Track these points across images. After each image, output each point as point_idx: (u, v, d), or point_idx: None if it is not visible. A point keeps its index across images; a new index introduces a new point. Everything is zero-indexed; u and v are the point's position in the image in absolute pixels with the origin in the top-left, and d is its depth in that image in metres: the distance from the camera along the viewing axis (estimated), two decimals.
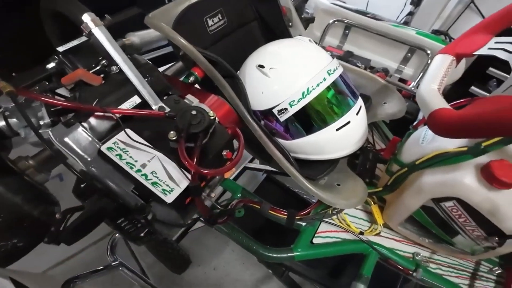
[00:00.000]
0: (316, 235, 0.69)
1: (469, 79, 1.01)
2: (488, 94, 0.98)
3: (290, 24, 0.84)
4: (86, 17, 0.44)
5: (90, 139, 0.45)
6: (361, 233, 0.68)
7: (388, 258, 0.64)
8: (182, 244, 1.25)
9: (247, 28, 0.86)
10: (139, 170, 0.44)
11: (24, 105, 0.43)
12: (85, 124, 0.46)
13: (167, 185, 0.44)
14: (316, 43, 1.12)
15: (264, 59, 0.64)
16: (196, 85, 0.67)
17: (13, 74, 0.50)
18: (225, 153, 0.50)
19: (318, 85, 0.58)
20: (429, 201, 0.54)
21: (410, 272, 0.63)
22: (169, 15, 0.67)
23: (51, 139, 0.43)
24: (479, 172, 0.47)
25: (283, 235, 0.74)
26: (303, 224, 0.69)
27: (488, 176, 0.45)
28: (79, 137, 0.45)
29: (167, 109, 0.50)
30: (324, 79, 0.59)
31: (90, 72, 0.49)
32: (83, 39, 0.53)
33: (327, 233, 0.69)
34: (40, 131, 0.45)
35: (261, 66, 0.62)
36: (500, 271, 0.57)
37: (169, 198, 0.43)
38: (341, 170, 0.68)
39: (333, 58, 0.63)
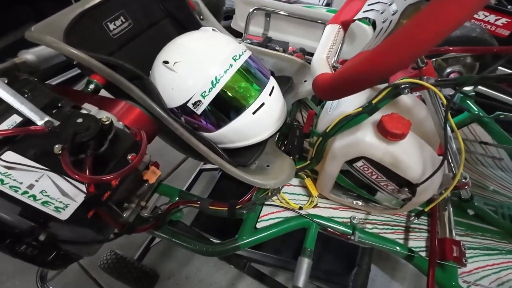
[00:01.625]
0: (259, 219, 0.69)
1: None
2: None
3: (202, 17, 0.83)
4: None
5: None
6: (301, 208, 0.70)
7: (327, 227, 0.66)
8: (147, 261, 1.20)
9: (159, 27, 0.83)
10: (25, 192, 0.40)
11: None
12: None
13: (61, 202, 0.41)
14: (243, 34, 1.14)
15: (168, 54, 0.62)
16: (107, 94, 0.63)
17: None
18: (130, 157, 0.48)
19: (225, 72, 0.58)
20: (344, 164, 0.56)
21: (349, 236, 0.65)
22: (58, 27, 0.62)
23: None
24: (376, 129, 0.50)
25: None
26: (245, 212, 0.69)
27: (383, 130, 0.48)
28: None
29: (57, 123, 0.47)
30: (231, 65, 0.59)
31: None
32: None
33: (269, 215, 0.70)
34: None
35: (166, 62, 0.60)
36: (416, 220, 0.61)
37: (64, 215, 0.40)
38: (270, 152, 0.69)
39: (240, 44, 0.64)
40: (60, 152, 0.41)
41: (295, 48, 1.04)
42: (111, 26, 0.70)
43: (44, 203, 0.40)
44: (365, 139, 0.50)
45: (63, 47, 0.54)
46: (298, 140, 0.72)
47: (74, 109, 0.51)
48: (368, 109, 0.49)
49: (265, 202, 0.71)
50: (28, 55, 0.67)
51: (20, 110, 0.45)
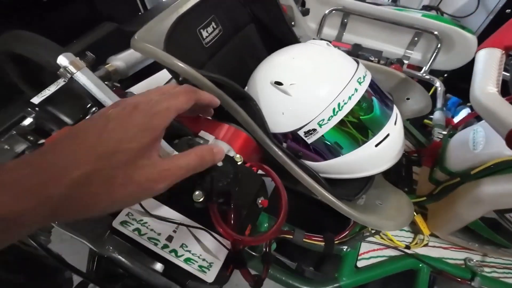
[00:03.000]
0: (358, 257, 0.63)
1: None
2: None
3: (293, 23, 0.74)
4: (63, 60, 0.33)
5: None
6: (407, 247, 0.62)
7: (441, 270, 0.59)
8: None
9: (244, 33, 0.75)
10: (165, 246, 0.35)
11: None
12: None
13: (203, 259, 0.35)
14: (315, 37, 1.04)
15: (280, 73, 0.55)
16: None
17: None
18: (259, 201, 0.42)
19: (350, 98, 0.50)
20: (490, 211, 0.48)
21: (468, 282, 0.58)
22: (155, 33, 0.56)
23: None
24: None
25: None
26: (344, 248, 0.63)
27: None
28: None
29: None
30: (356, 89, 0.51)
31: None
32: (60, 83, 0.42)
33: (370, 253, 0.63)
34: None
35: (279, 83, 0.53)
36: None
37: (210, 277, 0.35)
38: (378, 185, 0.61)
39: (357, 62, 0.55)
40: (200, 200, 0.35)
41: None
42: (204, 34, 0.64)
43: (187, 260, 0.35)
44: None
45: (177, 64, 0.48)
46: (405, 170, 0.64)
47: (194, 139, 0.45)
48: None
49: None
50: (118, 62, 0.63)
51: None
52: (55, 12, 0.92)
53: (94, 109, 0.40)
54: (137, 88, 0.77)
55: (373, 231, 0.62)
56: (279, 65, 0.57)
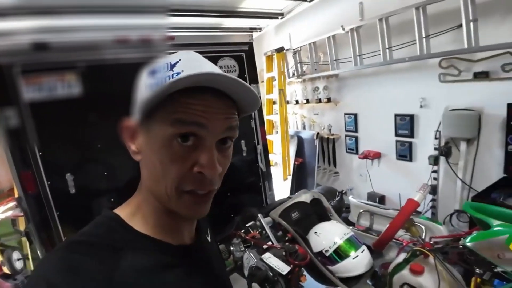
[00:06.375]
0: None
1: None
2: None
3: (331, 214, 1.73)
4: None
5: None
6: None
7: None
8: None
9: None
10: None
11: None
12: None
13: None
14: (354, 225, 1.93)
15: (317, 229, 1.49)
16: None
17: None
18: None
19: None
20: None
21: None
22: (278, 212, 1.67)
23: None
24: None
25: None
26: None
27: None
28: None
29: None
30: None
31: None
32: None
33: None
34: None
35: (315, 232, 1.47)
36: None
37: None
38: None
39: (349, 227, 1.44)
40: None
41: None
42: (293, 215, 1.70)
43: None
44: None
45: (283, 224, 1.53)
46: None
47: None
48: None
49: None
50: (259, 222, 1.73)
51: None
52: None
53: None
54: None
55: None
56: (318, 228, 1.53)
